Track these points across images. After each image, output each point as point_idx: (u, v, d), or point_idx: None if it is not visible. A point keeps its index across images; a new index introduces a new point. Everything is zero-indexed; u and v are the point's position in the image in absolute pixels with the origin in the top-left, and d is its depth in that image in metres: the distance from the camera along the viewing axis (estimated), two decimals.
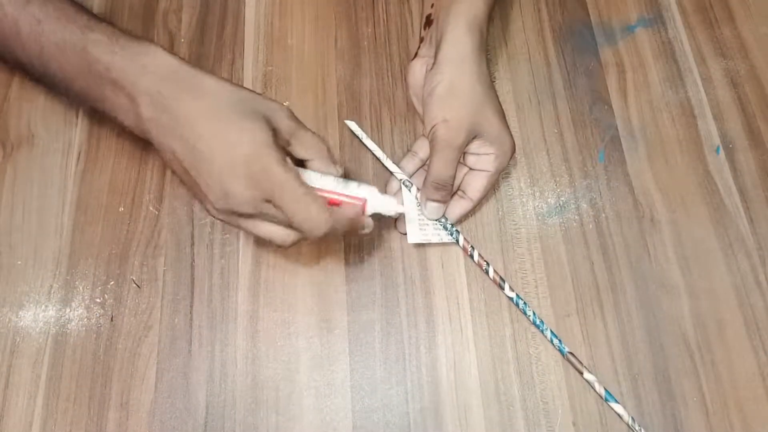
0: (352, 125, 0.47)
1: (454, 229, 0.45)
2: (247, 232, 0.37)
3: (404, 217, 0.44)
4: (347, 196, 0.40)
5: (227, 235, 0.46)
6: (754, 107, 0.50)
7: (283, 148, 0.37)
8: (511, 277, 0.45)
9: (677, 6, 0.54)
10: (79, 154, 0.49)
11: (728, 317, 0.44)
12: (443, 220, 0.45)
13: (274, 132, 0.36)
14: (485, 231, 0.47)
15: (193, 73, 0.37)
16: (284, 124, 0.38)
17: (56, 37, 0.37)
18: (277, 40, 0.53)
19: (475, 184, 0.44)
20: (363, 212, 0.40)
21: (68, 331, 0.44)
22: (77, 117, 0.50)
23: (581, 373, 0.42)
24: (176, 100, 0.35)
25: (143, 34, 0.53)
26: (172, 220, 0.47)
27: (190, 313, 0.44)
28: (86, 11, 0.39)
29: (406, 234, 0.44)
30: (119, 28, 0.38)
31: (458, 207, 0.45)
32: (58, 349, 0.43)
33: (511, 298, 0.44)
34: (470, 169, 0.45)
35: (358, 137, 0.48)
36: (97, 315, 0.44)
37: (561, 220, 0.47)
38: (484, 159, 0.43)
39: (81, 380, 0.43)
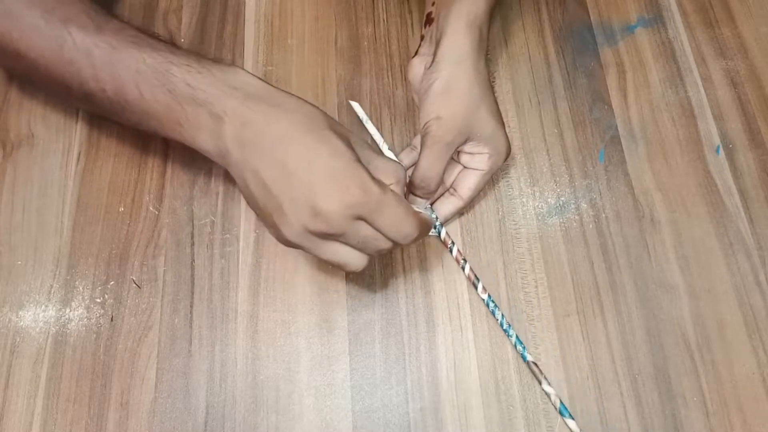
0: (356, 106, 0.47)
1: (438, 222, 0.45)
2: (320, 257, 0.35)
3: None
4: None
5: (227, 235, 0.46)
6: (754, 107, 0.50)
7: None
8: (511, 277, 0.45)
9: (677, 6, 0.54)
10: (79, 154, 0.49)
11: (728, 317, 0.44)
12: (429, 212, 0.45)
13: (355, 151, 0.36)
14: (485, 231, 0.47)
15: (278, 93, 0.37)
16: (358, 146, 0.37)
17: (135, 61, 0.36)
18: (277, 40, 0.53)
19: (466, 183, 0.44)
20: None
21: (68, 331, 0.44)
22: (77, 117, 0.50)
23: (540, 383, 0.42)
24: (263, 116, 0.35)
25: None
26: (172, 220, 0.47)
27: (190, 313, 0.44)
28: (164, 39, 0.39)
29: None
30: (202, 54, 0.38)
31: (448, 205, 0.45)
32: (58, 349, 0.43)
33: (482, 299, 0.44)
34: (464, 167, 0.45)
35: (360, 119, 0.48)
36: (97, 315, 0.44)
37: (561, 220, 0.47)
38: (477, 158, 0.43)
39: (81, 380, 0.43)
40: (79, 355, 0.43)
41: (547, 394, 0.41)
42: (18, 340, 0.44)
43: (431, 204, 0.45)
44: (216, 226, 0.47)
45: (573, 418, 0.41)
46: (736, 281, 0.45)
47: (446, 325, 0.44)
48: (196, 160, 0.49)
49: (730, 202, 0.47)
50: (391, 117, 0.50)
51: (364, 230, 0.34)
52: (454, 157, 0.44)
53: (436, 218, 0.45)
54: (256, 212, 0.36)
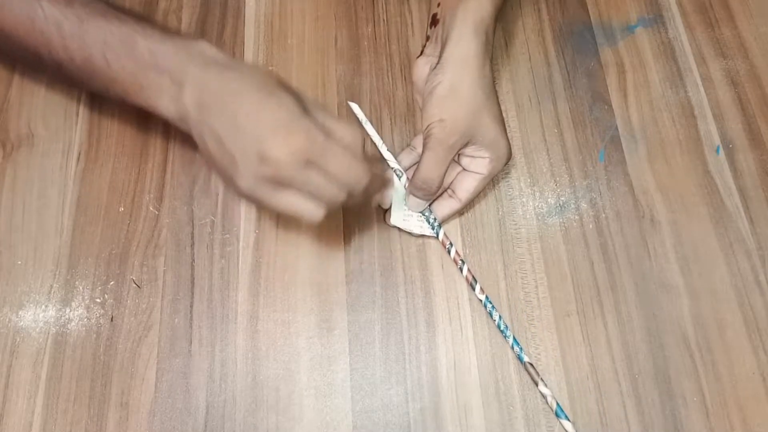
0: (355, 107, 0.48)
1: (437, 223, 0.45)
2: (276, 208, 0.37)
3: (391, 205, 0.45)
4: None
5: (227, 235, 0.46)
6: (754, 107, 0.50)
7: None
8: (511, 277, 0.45)
9: (677, 6, 0.54)
10: (79, 154, 0.49)
11: (728, 317, 0.44)
12: (427, 213, 0.45)
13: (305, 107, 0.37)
14: (485, 231, 0.47)
15: (234, 60, 0.39)
16: (312, 107, 0.38)
17: (102, 32, 0.38)
18: (277, 40, 0.53)
19: (465, 185, 0.44)
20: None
21: (68, 331, 0.44)
22: (77, 117, 0.50)
23: (536, 384, 0.42)
24: (219, 79, 0.37)
25: None
26: (172, 220, 0.47)
27: (190, 313, 0.44)
28: (132, 11, 0.40)
29: (392, 224, 0.45)
30: (166, 26, 0.40)
31: (446, 206, 0.45)
32: (58, 349, 0.43)
33: (480, 300, 0.44)
34: (463, 169, 0.45)
35: (358, 120, 0.48)
36: (97, 315, 0.44)
37: (561, 220, 0.47)
38: (477, 162, 0.43)
39: (81, 380, 0.43)
40: (79, 355, 0.43)
41: (544, 396, 0.41)
42: (18, 340, 0.44)
43: (429, 205, 0.45)
44: (216, 226, 0.47)
45: (569, 420, 0.41)
46: (736, 281, 0.45)
47: (446, 325, 0.44)
48: (196, 160, 0.49)
49: (730, 202, 0.47)
50: (391, 117, 0.50)
51: (315, 177, 0.35)
52: (455, 159, 0.44)
53: (435, 219, 0.45)
54: (214, 170, 0.38)
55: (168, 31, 0.39)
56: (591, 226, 0.47)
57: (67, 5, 0.39)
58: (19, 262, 0.46)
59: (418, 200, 0.44)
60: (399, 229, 0.46)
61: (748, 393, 0.42)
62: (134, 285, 0.45)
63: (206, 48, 0.39)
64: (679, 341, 0.43)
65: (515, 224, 0.47)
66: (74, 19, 0.39)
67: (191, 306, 0.45)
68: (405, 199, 0.45)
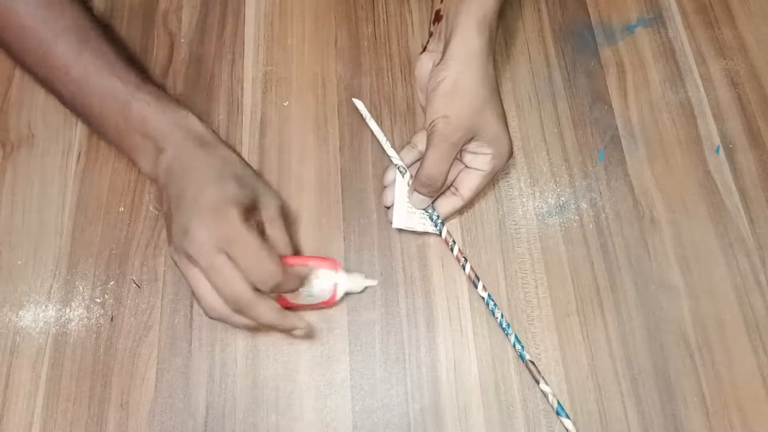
0: (359, 104, 0.47)
1: (440, 221, 0.45)
2: (185, 277, 0.38)
3: (394, 203, 0.45)
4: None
5: None
6: (754, 107, 0.50)
7: (257, 226, 0.41)
8: (511, 277, 0.45)
9: (677, 6, 0.54)
10: (79, 154, 0.49)
11: (728, 317, 0.44)
12: (430, 210, 0.45)
13: (253, 207, 0.40)
14: (485, 231, 0.47)
15: (215, 142, 0.43)
16: (268, 209, 0.41)
17: (103, 88, 0.42)
18: (277, 40, 0.53)
19: (468, 183, 0.44)
20: (334, 298, 0.43)
21: (68, 331, 0.44)
22: (77, 117, 0.50)
23: (537, 383, 0.42)
24: (191, 154, 0.41)
25: (143, 34, 0.53)
26: None
27: (190, 313, 0.44)
28: (135, 68, 0.44)
29: (395, 225, 0.45)
30: (163, 89, 0.44)
31: (449, 203, 0.45)
32: (58, 349, 0.43)
33: (482, 298, 0.44)
34: (465, 167, 0.45)
35: (363, 117, 0.48)
36: (97, 315, 0.44)
37: (561, 220, 0.47)
38: (480, 158, 0.43)
39: (81, 380, 0.43)
40: (79, 355, 0.43)
41: (545, 394, 0.41)
42: (18, 340, 0.44)
43: (432, 202, 0.45)
44: None
45: (570, 418, 0.41)
46: (736, 281, 0.45)
47: (446, 325, 0.44)
48: None
49: (730, 202, 0.47)
50: (391, 117, 0.50)
51: (226, 269, 0.36)
52: (457, 156, 0.44)
53: (438, 217, 0.45)
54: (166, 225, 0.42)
55: (164, 98, 0.43)
56: (591, 226, 0.47)
57: (78, 53, 0.42)
58: (19, 262, 0.46)
59: (422, 197, 0.44)
60: (400, 229, 0.46)
61: (748, 393, 0.42)
62: (134, 285, 0.45)
63: (193, 123, 0.43)
64: (679, 341, 0.43)
65: (515, 224, 0.47)
66: (81, 69, 0.42)
67: (191, 306, 0.45)
68: (408, 197, 0.45)
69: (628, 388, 0.42)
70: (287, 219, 0.43)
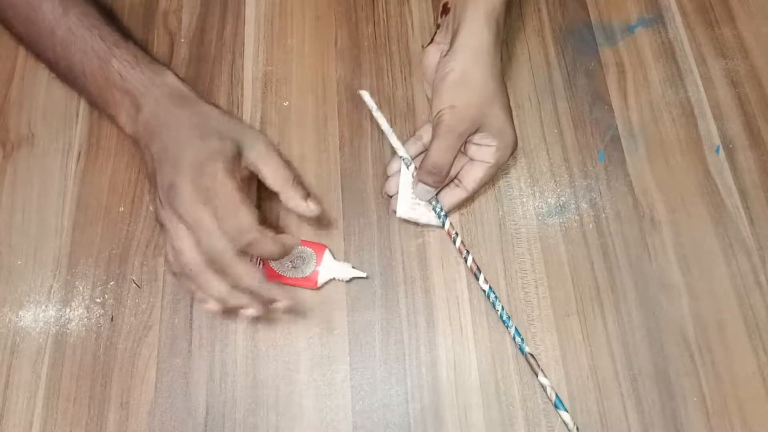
0: (365, 96, 0.47)
1: (443, 213, 0.45)
2: (169, 235, 0.39)
3: (397, 193, 0.45)
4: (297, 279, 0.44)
5: None
6: (754, 107, 0.50)
7: (247, 172, 0.41)
8: (511, 277, 0.45)
9: (677, 6, 0.54)
10: (79, 154, 0.49)
11: (728, 317, 0.44)
12: (434, 202, 0.45)
13: (238, 154, 0.40)
14: (485, 231, 0.47)
15: (194, 98, 0.43)
16: (256, 149, 0.41)
17: (86, 46, 0.43)
18: (277, 40, 0.53)
19: (472, 175, 0.44)
20: (317, 276, 0.44)
21: (68, 331, 0.44)
22: (77, 117, 0.50)
23: (536, 375, 0.42)
24: (169, 111, 0.41)
25: (143, 35, 0.53)
26: None
27: (190, 313, 0.44)
28: (118, 28, 0.45)
29: (399, 214, 0.45)
30: (143, 48, 0.45)
31: (453, 195, 0.45)
32: (58, 349, 0.43)
33: (483, 290, 0.44)
34: (470, 159, 0.45)
35: (369, 108, 0.47)
36: (97, 315, 0.44)
37: (561, 220, 0.47)
38: (484, 150, 0.44)
39: (81, 380, 0.43)
40: (79, 355, 0.43)
41: (543, 387, 0.41)
42: (18, 340, 0.44)
43: (436, 194, 0.45)
44: None
45: (568, 411, 0.41)
46: (736, 281, 0.45)
47: (446, 325, 0.44)
48: None
49: (730, 202, 0.47)
50: (391, 117, 0.50)
51: (208, 222, 0.37)
52: (462, 149, 0.44)
53: (441, 209, 0.45)
54: (149, 184, 0.43)
55: (143, 57, 0.43)
56: (591, 226, 0.47)
57: (63, 14, 0.43)
58: (19, 262, 0.46)
59: (426, 188, 0.44)
60: (404, 220, 0.46)
61: (748, 393, 0.42)
62: (134, 285, 0.45)
63: (171, 80, 0.43)
64: (679, 341, 0.43)
65: (515, 224, 0.47)
66: (65, 29, 0.43)
67: (191, 306, 0.45)
68: (413, 187, 0.45)
69: (628, 388, 0.42)
70: (280, 154, 0.43)
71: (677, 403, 0.42)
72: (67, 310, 0.45)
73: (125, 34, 0.45)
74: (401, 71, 0.52)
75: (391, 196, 0.46)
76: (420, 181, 0.43)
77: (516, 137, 0.44)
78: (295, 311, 0.44)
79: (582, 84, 0.51)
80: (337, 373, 0.43)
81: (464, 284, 0.45)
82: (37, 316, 0.44)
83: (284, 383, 0.43)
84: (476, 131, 0.43)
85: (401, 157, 0.46)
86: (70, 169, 0.48)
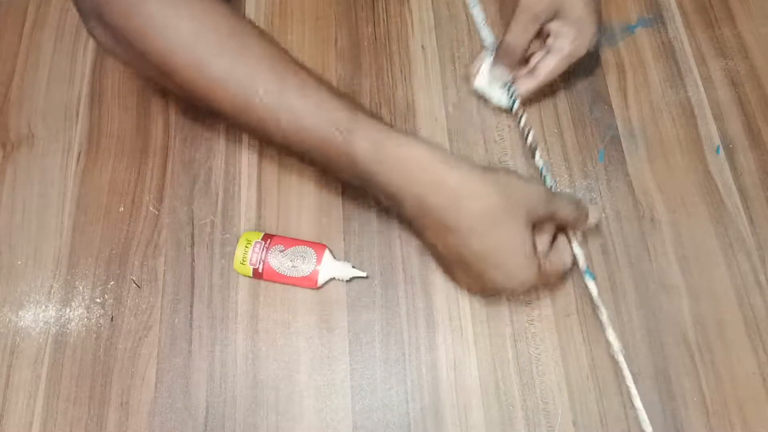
0: None
1: (513, 97, 0.47)
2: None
3: (481, 69, 0.48)
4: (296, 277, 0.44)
5: (227, 235, 0.46)
6: (754, 107, 0.50)
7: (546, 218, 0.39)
8: None
9: (677, 6, 0.54)
10: (79, 154, 0.49)
11: (728, 317, 0.44)
12: (509, 84, 0.47)
13: (530, 217, 0.37)
14: None
15: (455, 177, 0.36)
16: (541, 207, 0.38)
17: (319, 134, 0.36)
18: (277, 40, 0.53)
19: (546, 64, 0.45)
20: (316, 283, 0.44)
21: (68, 331, 0.44)
22: (77, 117, 0.50)
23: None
24: (440, 209, 0.36)
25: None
26: (172, 220, 0.47)
27: (190, 313, 0.44)
28: (342, 99, 0.37)
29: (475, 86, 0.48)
30: (378, 118, 0.38)
31: (525, 82, 0.46)
32: (58, 349, 0.43)
33: (538, 167, 0.46)
34: (548, 51, 0.45)
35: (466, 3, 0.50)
36: (97, 315, 0.44)
37: None
38: (560, 40, 0.44)
39: (81, 380, 0.43)
40: (79, 355, 0.43)
41: (569, 240, 0.43)
42: (18, 340, 0.44)
43: (513, 82, 0.47)
44: (216, 226, 0.47)
45: (594, 279, 0.43)
46: (736, 281, 0.45)
47: (446, 325, 0.44)
48: (195, 161, 0.49)
49: (730, 202, 0.47)
50: (391, 117, 0.50)
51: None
52: (543, 39, 0.45)
53: (513, 93, 0.47)
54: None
55: (381, 133, 0.37)
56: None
57: (281, 93, 0.36)
58: (19, 262, 0.46)
59: (502, 68, 0.45)
60: (479, 97, 0.48)
61: (748, 393, 0.42)
62: (134, 285, 0.45)
63: (421, 155, 0.36)
64: (679, 341, 0.43)
65: None
66: (292, 114, 0.36)
67: (191, 306, 0.45)
68: (489, 68, 0.47)
69: (628, 388, 0.42)
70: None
71: (677, 403, 0.42)
72: (67, 310, 0.45)
73: (352, 101, 0.38)
74: (401, 71, 0.52)
75: (476, 72, 0.48)
76: (496, 61, 0.45)
77: (594, 32, 0.44)
78: None
79: (582, 84, 0.51)
80: (337, 373, 0.43)
81: None
82: (37, 316, 0.44)
83: (284, 383, 0.43)
84: (554, 18, 0.43)
85: (485, 41, 0.48)
86: (70, 169, 0.48)
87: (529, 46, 0.44)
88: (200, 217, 0.47)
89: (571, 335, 0.44)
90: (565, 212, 0.39)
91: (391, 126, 0.37)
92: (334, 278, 0.44)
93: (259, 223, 0.47)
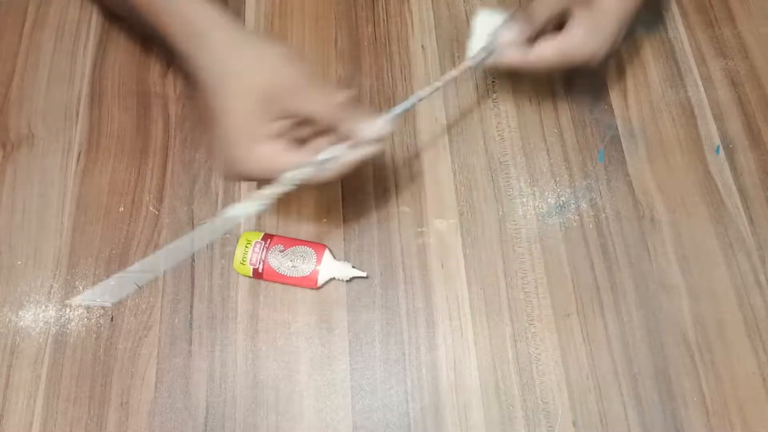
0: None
1: (493, 54, 0.42)
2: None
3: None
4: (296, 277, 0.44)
5: (227, 235, 0.46)
6: (754, 107, 0.50)
7: None
8: (511, 277, 0.45)
9: (677, 6, 0.54)
10: (79, 154, 0.49)
11: (728, 317, 0.44)
12: (494, 47, 0.42)
13: (272, 106, 0.36)
14: (485, 231, 0.47)
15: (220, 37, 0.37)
16: (288, 100, 0.36)
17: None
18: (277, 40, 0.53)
19: (542, 46, 0.41)
20: (316, 283, 0.44)
21: (68, 331, 0.44)
22: (77, 117, 0.50)
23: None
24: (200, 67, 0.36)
25: (144, 35, 0.53)
26: (172, 220, 0.47)
27: (190, 313, 0.44)
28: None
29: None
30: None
31: (512, 54, 0.41)
32: (58, 349, 0.43)
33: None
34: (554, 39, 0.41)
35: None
36: (97, 315, 0.44)
37: (561, 220, 0.47)
38: (572, 31, 0.40)
39: (81, 380, 0.43)
40: (79, 355, 0.43)
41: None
42: (18, 340, 0.44)
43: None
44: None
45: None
46: (736, 281, 0.45)
47: (446, 325, 0.44)
48: (195, 161, 0.49)
49: (730, 202, 0.47)
50: None
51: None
52: (561, 20, 0.41)
53: (494, 50, 0.42)
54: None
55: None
56: (591, 226, 0.47)
57: None
58: (19, 262, 0.46)
59: (513, 30, 0.41)
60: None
61: (748, 393, 0.42)
62: (134, 285, 0.45)
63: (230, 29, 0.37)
64: (679, 341, 0.43)
65: (515, 224, 0.47)
66: None
67: (191, 306, 0.45)
68: (502, 25, 0.42)
69: (628, 388, 0.42)
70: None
71: (677, 403, 0.42)
72: (67, 310, 0.45)
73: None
74: (401, 71, 0.52)
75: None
76: (509, 21, 0.41)
77: (609, 35, 0.40)
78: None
79: (582, 84, 0.51)
80: (337, 373, 0.43)
81: (464, 284, 0.45)
82: (37, 316, 0.44)
83: (284, 383, 0.43)
84: (583, 4, 0.40)
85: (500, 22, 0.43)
86: (70, 169, 0.48)
87: (548, 22, 0.40)
88: (200, 217, 0.47)
89: (571, 335, 0.44)
90: (320, 115, 0.35)
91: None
92: (334, 278, 0.44)
93: (259, 223, 0.47)
